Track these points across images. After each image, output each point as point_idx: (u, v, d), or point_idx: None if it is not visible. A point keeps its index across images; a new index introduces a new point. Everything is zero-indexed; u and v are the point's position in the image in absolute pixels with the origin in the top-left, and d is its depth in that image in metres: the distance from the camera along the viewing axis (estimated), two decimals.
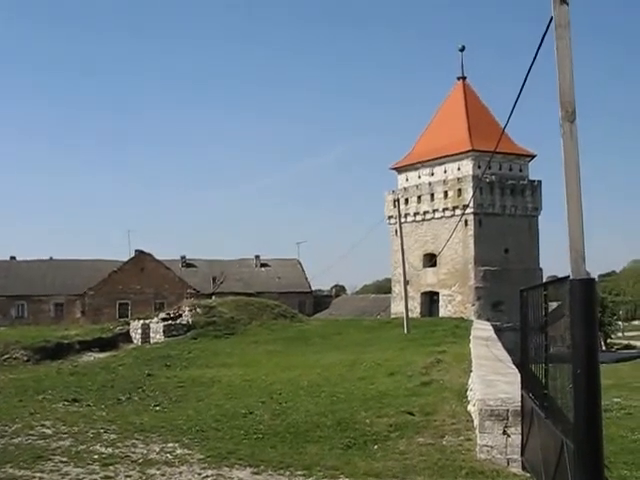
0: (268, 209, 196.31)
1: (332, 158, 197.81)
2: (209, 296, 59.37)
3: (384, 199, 59.04)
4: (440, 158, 54.26)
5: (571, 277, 6.34)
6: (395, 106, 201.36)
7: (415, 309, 52.80)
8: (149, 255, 70.54)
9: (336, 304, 74.60)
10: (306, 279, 78.28)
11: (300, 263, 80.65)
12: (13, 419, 16.11)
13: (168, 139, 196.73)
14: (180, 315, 38.18)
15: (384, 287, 75.46)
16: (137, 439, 14.00)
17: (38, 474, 11.29)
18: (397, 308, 53.44)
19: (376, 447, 12.86)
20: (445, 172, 54.16)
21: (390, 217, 56.19)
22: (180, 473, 11.33)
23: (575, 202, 6.26)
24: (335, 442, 13.17)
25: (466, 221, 51.35)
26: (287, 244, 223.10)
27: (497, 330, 33.92)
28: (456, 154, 53.01)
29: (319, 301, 76.43)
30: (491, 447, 11.53)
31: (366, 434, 13.67)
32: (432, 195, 54.71)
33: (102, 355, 32.29)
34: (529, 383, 10.91)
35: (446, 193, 53.61)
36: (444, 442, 12.92)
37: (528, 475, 10.51)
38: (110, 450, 13.04)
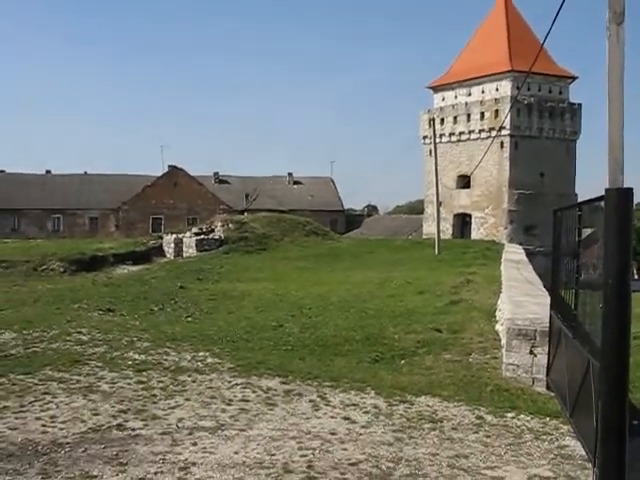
0: (302, 127, 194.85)
1: (368, 76, 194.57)
2: (241, 212, 59.71)
3: (419, 118, 58.21)
4: (478, 78, 53.08)
5: (607, 187, 6.18)
6: (434, 24, 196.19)
7: (447, 230, 52.67)
8: (182, 170, 70.79)
9: (368, 224, 74.62)
10: (339, 198, 78.22)
11: (333, 182, 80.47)
12: (51, 326, 16.61)
13: (201, 52, 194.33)
14: (212, 230, 38.55)
15: (417, 208, 75.12)
16: (169, 347, 14.39)
17: (75, 377, 11.72)
18: (429, 229, 53.37)
19: (403, 362, 13.07)
20: (482, 92, 53.08)
21: (425, 137, 55.57)
22: (210, 380, 11.66)
23: (616, 108, 6.06)
24: (363, 356, 13.40)
25: (502, 143, 50.61)
26: (321, 162, 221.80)
27: (529, 254, 33.84)
28: (495, 74, 51.80)
29: (351, 220, 76.48)
30: (517, 366, 11.64)
31: (394, 349, 13.88)
32: (468, 116, 53.79)
33: (135, 268, 32.86)
34: (558, 304, 10.92)
35: (483, 114, 52.67)
36: (470, 359, 13.07)
37: (552, 394, 10.64)
38: (143, 357, 13.44)
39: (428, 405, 10.36)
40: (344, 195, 79.13)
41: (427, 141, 53.59)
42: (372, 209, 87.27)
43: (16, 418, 9.32)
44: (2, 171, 73.71)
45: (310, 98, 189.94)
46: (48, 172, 75.10)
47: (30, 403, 10.05)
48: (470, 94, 54.16)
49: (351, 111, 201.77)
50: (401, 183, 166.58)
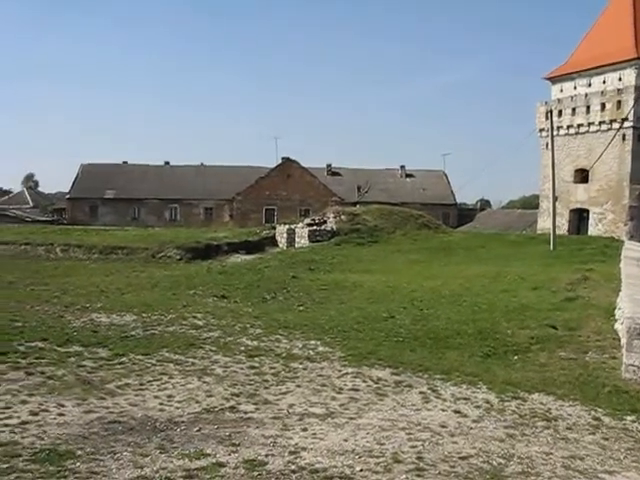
0: (414, 119, 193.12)
1: (482, 67, 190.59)
2: (353, 205, 59.76)
3: (536, 110, 56.60)
4: (599, 67, 50.98)
5: None
6: (553, 11, 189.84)
7: (563, 226, 51.03)
8: (295, 162, 71.62)
9: (480, 218, 73.30)
10: (451, 191, 77.16)
11: (446, 175, 79.45)
12: (168, 310, 17.23)
13: (315, 45, 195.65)
14: (325, 221, 38.83)
15: (531, 203, 73.15)
16: (281, 335, 14.64)
17: (191, 359, 12.13)
18: (544, 224, 51.88)
19: (516, 358, 12.79)
20: (604, 82, 50.97)
21: (541, 130, 53.93)
22: (321, 368, 11.79)
23: None
24: (475, 350, 13.20)
25: (624, 136, 48.48)
26: (433, 155, 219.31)
27: None
28: (618, 63, 49.56)
29: (463, 214, 75.30)
30: (638, 367, 11.17)
31: (506, 344, 13.60)
32: (588, 107, 51.78)
33: (249, 257, 33.54)
34: None
35: (603, 105, 50.57)
36: (587, 358, 12.65)
37: None
38: (255, 343, 13.73)
39: (541, 403, 10.11)
40: (456, 189, 78.00)
41: (544, 134, 51.94)
42: (485, 203, 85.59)
43: (136, 395, 9.77)
44: (125, 162, 76.84)
45: (421, 88, 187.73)
46: (167, 163, 77.72)
47: (149, 382, 10.50)
48: (590, 85, 52.14)
49: (464, 103, 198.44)
50: (515, 177, 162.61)
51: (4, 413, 8.67)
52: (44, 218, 69.64)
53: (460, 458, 7.70)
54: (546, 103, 54.76)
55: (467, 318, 15.89)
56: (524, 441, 8.39)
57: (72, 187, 72.57)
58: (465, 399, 10.15)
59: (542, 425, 9.07)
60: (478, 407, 9.78)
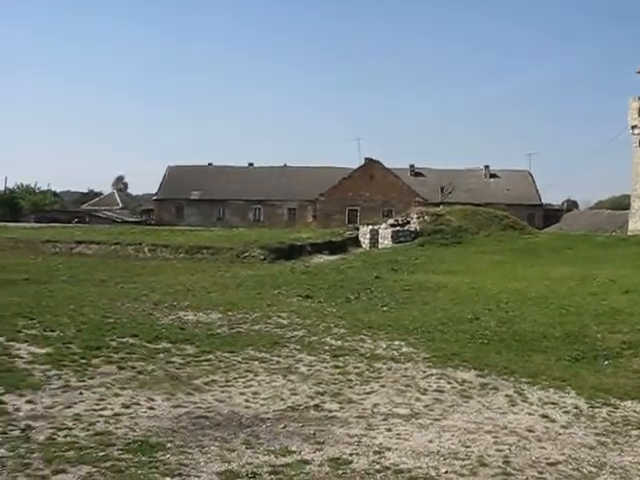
0: (499, 117, 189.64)
1: (570, 64, 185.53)
2: (436, 205, 59.15)
3: (628, 106, 54.69)
4: None
5: None
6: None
7: None
8: (378, 163, 71.57)
9: (567, 219, 71.52)
10: (536, 192, 75.61)
11: (531, 175, 77.90)
12: (253, 309, 17.49)
13: (401, 41, 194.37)
14: (408, 222, 38.61)
15: (621, 203, 70.78)
16: (365, 335, 14.63)
17: (275, 358, 12.30)
18: (635, 225, 50.18)
19: (606, 363, 12.40)
20: None
21: (634, 127, 52.17)
22: (405, 369, 11.74)
23: None
24: (562, 354, 12.87)
25: None
26: (518, 155, 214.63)
27: None
28: None
29: (549, 215, 73.61)
30: None
31: (596, 349, 13.21)
32: None
33: (332, 257, 33.59)
34: None
35: None
36: None
37: None
38: (339, 343, 13.78)
39: (635, 411, 9.77)
40: (542, 188, 76.33)
41: (636, 131, 50.26)
42: (572, 204, 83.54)
43: (222, 392, 9.99)
44: (210, 164, 78.39)
45: (506, 88, 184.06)
46: (250, 164, 78.89)
47: (234, 379, 10.71)
48: None
49: (548, 101, 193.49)
50: (605, 177, 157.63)
51: (99, 405, 9.07)
52: (133, 219, 71.88)
53: (548, 464, 7.54)
54: (639, 98, 52.91)
55: (554, 321, 15.52)
56: (617, 450, 8.14)
57: (159, 189, 74.61)
58: (553, 404, 9.93)
59: (636, 434, 8.75)
60: (567, 412, 9.54)
